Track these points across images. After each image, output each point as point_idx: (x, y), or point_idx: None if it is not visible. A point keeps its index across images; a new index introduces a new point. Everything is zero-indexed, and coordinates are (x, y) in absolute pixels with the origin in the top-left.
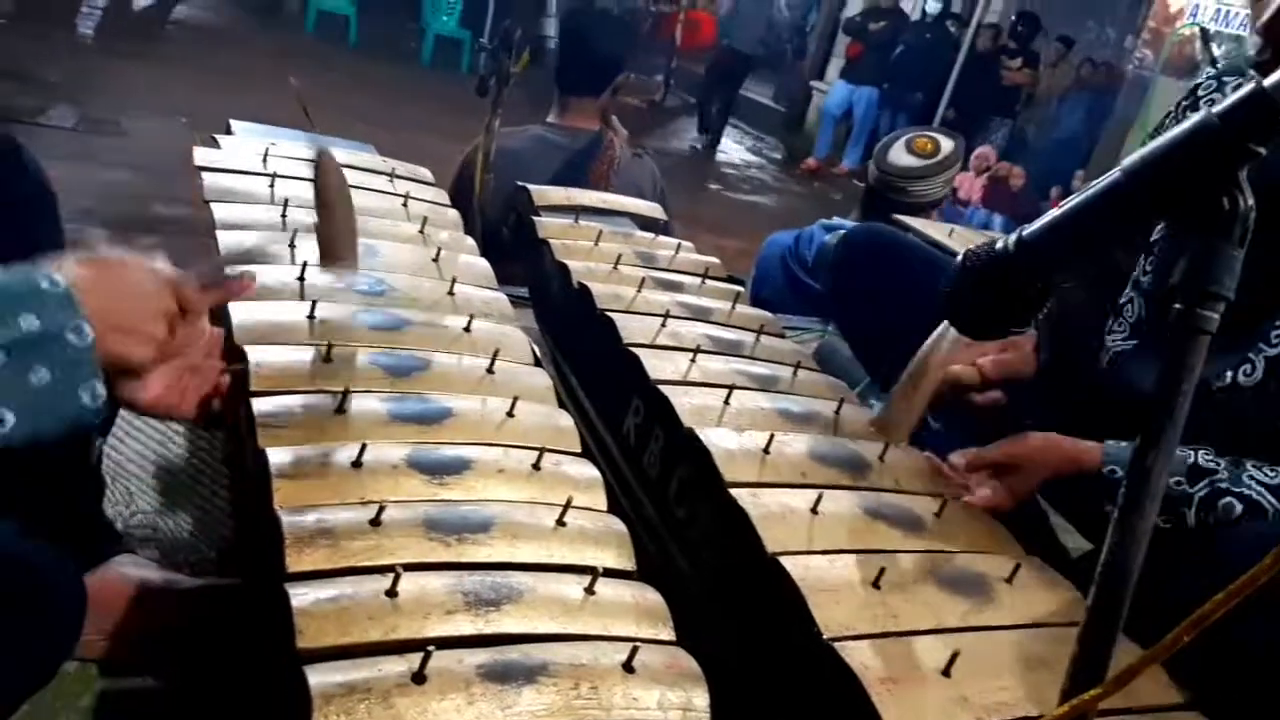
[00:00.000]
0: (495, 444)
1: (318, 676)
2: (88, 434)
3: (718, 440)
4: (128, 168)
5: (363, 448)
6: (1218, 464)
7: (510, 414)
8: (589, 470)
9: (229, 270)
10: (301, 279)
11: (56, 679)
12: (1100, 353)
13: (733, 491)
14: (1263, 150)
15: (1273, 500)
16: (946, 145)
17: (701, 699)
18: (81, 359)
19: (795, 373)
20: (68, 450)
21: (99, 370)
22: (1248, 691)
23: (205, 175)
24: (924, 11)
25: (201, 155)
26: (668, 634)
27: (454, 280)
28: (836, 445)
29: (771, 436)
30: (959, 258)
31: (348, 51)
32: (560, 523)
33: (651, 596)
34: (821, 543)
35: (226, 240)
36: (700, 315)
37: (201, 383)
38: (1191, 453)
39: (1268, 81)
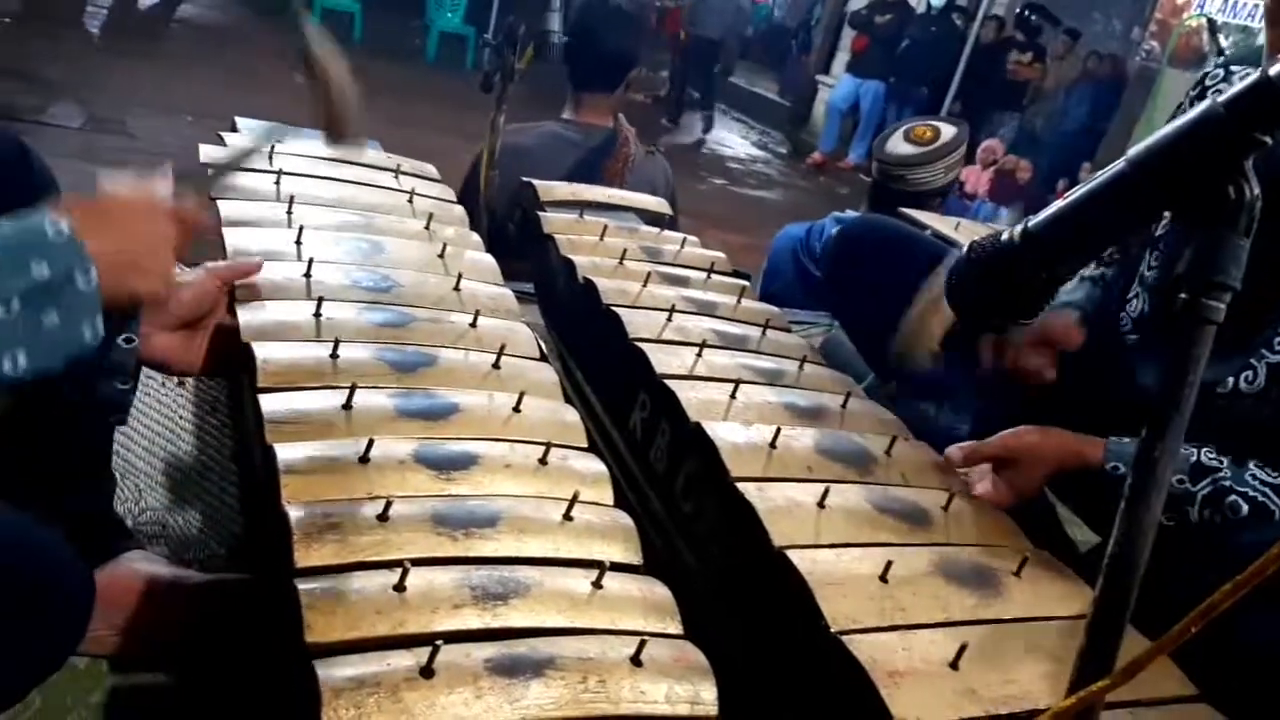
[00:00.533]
0: (502, 439)
1: (326, 671)
2: (108, 434)
3: (724, 434)
4: (133, 166)
5: (370, 443)
6: (1221, 463)
7: (517, 409)
8: (596, 465)
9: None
10: (308, 276)
11: (68, 675)
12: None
13: (739, 485)
14: (1269, 139)
15: (1277, 500)
16: (947, 132)
17: (709, 692)
18: (87, 301)
19: (802, 367)
20: (86, 446)
21: (100, 307)
22: (1254, 684)
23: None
24: (929, 5)
25: (207, 153)
26: (675, 628)
27: (460, 276)
28: (843, 439)
29: (778, 431)
30: (964, 249)
31: (352, 48)
32: (567, 517)
33: (659, 590)
34: (828, 537)
35: (232, 238)
36: (706, 310)
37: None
38: (1195, 451)
39: (1273, 70)
